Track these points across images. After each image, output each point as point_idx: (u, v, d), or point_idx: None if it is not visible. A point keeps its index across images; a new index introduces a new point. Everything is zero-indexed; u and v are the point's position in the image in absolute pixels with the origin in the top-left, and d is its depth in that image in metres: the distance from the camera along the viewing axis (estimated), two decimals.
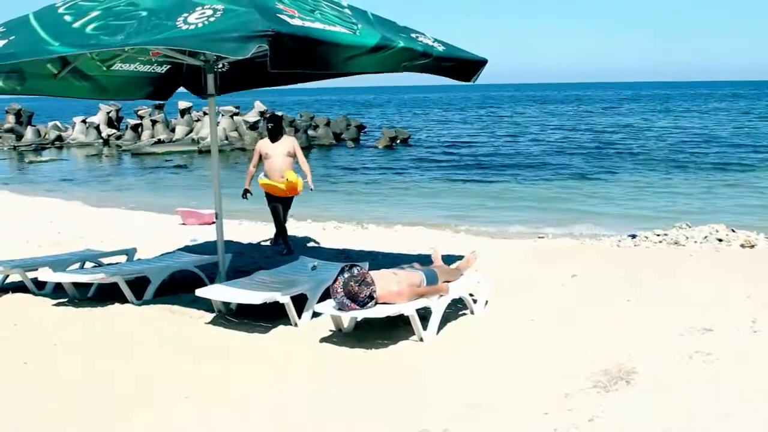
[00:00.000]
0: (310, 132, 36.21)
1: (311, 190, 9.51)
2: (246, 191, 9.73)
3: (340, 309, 5.77)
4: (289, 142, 9.66)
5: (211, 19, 5.21)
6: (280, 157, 9.48)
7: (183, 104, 37.09)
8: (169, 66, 8.38)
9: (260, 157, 9.67)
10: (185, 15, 5.35)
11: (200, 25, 5.17)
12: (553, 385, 4.79)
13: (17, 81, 7.41)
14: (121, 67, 7.94)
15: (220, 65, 7.71)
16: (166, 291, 7.29)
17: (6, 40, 6.08)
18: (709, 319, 6.13)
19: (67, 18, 6.13)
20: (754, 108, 64.41)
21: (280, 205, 9.68)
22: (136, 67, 8.11)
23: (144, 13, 5.61)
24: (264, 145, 9.69)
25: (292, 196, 9.63)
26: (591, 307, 6.70)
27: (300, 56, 5.11)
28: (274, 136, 9.63)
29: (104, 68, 7.86)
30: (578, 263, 8.63)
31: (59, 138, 40.79)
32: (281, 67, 4.88)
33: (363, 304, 5.72)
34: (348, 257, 8.36)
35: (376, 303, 5.80)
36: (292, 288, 6.33)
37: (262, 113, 35.94)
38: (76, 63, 7.54)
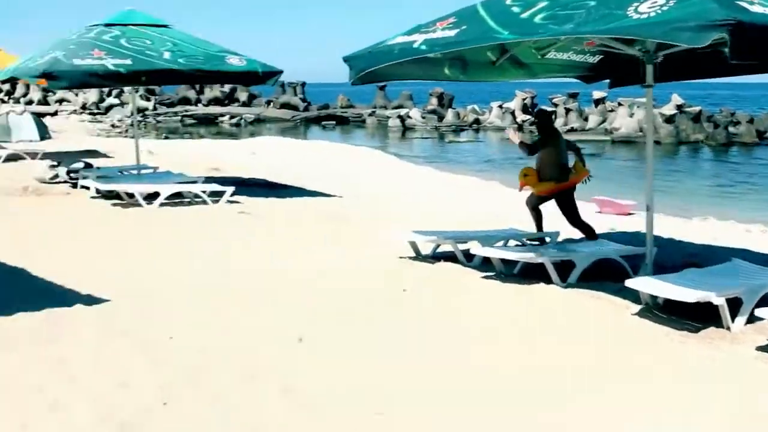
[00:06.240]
0: (731, 128, 33.84)
1: None
2: None
3: None
4: None
5: (664, 8, 5.06)
6: None
7: (597, 94, 36.96)
8: (601, 56, 8.33)
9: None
10: (636, 4, 5.27)
11: (652, 14, 5.06)
12: None
13: (460, 69, 7.97)
14: (555, 55, 8.09)
15: (658, 56, 7.46)
16: (588, 277, 7.25)
17: (458, 30, 6.55)
18: None
19: (515, 9, 6.39)
20: None
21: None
22: (569, 56, 8.20)
23: (593, 3, 5.63)
24: None
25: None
26: None
27: (762, 46, 4.72)
28: None
29: (539, 56, 8.06)
30: None
31: (477, 121, 43.47)
32: (742, 58, 4.56)
33: None
34: None
35: None
36: (725, 290, 5.94)
37: (679, 106, 34.41)
38: (514, 51, 7.84)
